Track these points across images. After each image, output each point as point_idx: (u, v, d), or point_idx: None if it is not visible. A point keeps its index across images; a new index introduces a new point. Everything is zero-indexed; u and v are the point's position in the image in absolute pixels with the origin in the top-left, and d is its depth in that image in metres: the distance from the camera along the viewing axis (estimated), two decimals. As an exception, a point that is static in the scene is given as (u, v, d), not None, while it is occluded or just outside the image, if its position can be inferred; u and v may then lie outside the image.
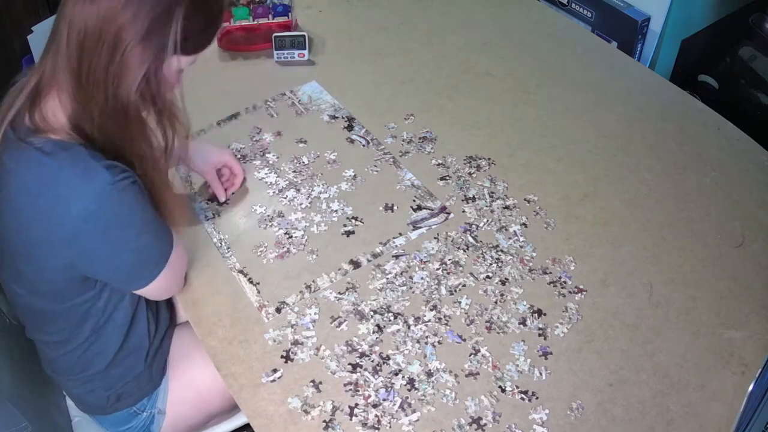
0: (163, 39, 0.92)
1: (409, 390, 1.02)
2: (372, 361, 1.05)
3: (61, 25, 0.92)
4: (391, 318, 1.10)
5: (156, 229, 1.03)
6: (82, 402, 1.19)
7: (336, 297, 1.13)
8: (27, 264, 1.01)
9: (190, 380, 1.20)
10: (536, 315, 1.11)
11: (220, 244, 1.22)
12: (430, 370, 1.04)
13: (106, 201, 0.93)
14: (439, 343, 1.08)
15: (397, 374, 1.04)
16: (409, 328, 1.09)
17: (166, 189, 1.05)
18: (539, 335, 1.09)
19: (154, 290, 1.07)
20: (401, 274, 1.16)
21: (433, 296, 1.13)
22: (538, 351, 1.07)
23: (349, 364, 1.05)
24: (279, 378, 1.04)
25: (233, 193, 1.32)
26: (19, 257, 1.01)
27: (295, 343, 1.08)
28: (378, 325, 1.09)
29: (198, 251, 1.22)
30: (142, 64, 0.92)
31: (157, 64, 0.93)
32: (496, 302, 1.13)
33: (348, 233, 1.23)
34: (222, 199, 1.30)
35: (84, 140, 0.95)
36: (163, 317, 1.22)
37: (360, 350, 1.07)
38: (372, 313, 1.11)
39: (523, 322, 1.10)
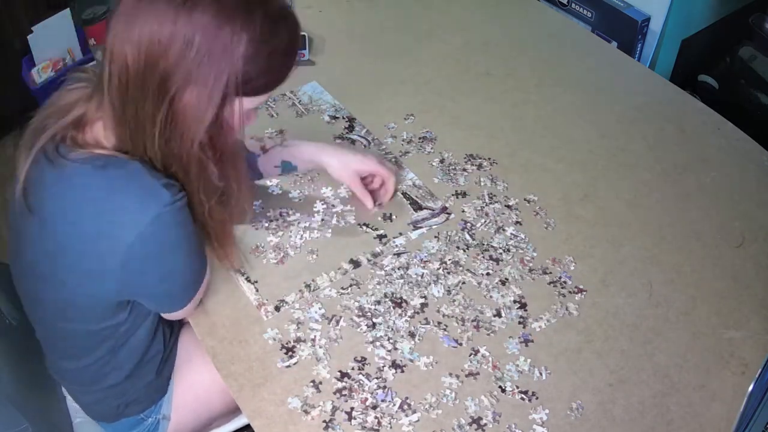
0: (221, 84, 0.78)
1: (409, 391, 1.02)
2: (369, 363, 1.05)
3: (105, 56, 0.79)
4: (390, 316, 1.10)
5: (199, 250, 0.97)
6: (89, 409, 1.17)
7: (336, 295, 1.13)
8: (60, 290, 0.93)
9: (192, 384, 1.19)
10: (533, 314, 1.11)
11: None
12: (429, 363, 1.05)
13: (163, 223, 0.85)
14: (436, 341, 1.08)
15: (397, 370, 1.04)
16: (412, 334, 1.10)
17: (221, 231, 0.98)
18: (527, 333, 1.09)
19: (182, 312, 1.04)
20: (399, 268, 1.17)
21: (432, 294, 1.13)
22: (522, 339, 1.07)
23: (350, 362, 1.05)
24: (292, 365, 1.04)
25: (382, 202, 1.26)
26: (52, 282, 0.93)
27: (297, 340, 1.08)
28: (375, 323, 1.09)
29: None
30: (197, 114, 0.79)
31: (216, 112, 0.80)
32: (495, 301, 1.13)
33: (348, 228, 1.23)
34: (369, 206, 1.23)
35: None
36: (177, 321, 1.19)
37: (360, 348, 1.07)
38: (370, 309, 1.11)
39: (522, 322, 1.10)
